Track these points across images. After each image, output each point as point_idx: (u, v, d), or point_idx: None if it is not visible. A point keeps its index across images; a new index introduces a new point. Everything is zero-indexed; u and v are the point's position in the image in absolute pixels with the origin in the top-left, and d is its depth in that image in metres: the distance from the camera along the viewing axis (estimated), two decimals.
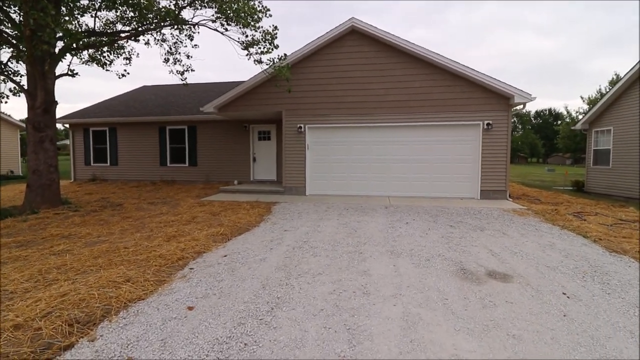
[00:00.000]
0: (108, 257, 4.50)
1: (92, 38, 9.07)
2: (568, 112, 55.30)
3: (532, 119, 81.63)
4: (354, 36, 9.89)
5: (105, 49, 9.87)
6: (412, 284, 3.63)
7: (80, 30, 9.02)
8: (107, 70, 10.17)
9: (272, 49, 8.81)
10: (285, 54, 9.13)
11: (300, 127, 10.29)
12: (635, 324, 2.89)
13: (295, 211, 7.88)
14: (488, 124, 9.32)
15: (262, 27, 8.57)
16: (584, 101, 43.79)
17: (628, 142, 11.36)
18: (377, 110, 9.88)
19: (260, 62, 9.05)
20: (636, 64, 10.84)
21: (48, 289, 3.46)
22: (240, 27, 8.58)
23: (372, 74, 9.85)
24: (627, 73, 11.26)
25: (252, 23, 8.38)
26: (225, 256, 4.63)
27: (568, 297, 3.38)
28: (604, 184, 12.47)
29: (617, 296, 3.42)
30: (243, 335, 2.67)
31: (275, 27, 8.59)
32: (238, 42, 8.93)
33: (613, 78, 39.73)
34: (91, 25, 10.29)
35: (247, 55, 9.12)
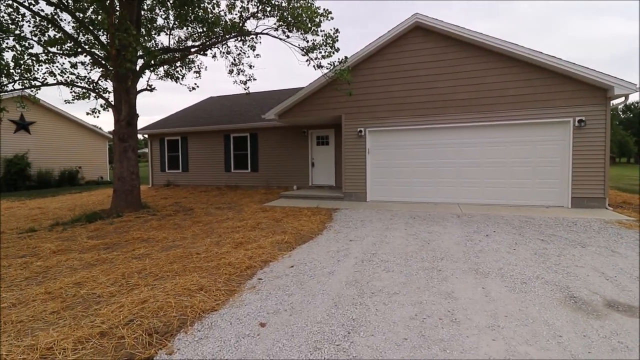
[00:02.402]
0: (182, 262, 4.62)
1: (167, 55, 9.80)
2: None
3: (621, 113, 70.99)
4: (418, 33, 9.30)
5: (178, 64, 10.62)
6: (511, 313, 3.08)
7: (157, 48, 9.79)
8: (180, 84, 10.95)
9: (333, 53, 8.65)
10: (345, 57, 8.92)
11: (361, 131, 9.96)
12: None
13: (358, 219, 7.55)
14: (580, 121, 8.05)
15: (323, 30, 8.46)
16: None
17: None
18: (445, 110, 9.15)
19: (320, 66, 8.95)
20: None
21: (130, 295, 3.60)
22: (301, 33, 8.58)
23: (438, 72, 9.16)
24: None
25: (313, 28, 8.31)
26: (292, 267, 4.48)
27: None
28: None
29: None
30: None
31: (337, 30, 8.42)
32: (298, 48, 8.94)
33: None
34: (166, 43, 11.17)
35: (307, 60, 9.10)
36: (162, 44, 10.46)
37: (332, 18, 8.40)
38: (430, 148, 9.47)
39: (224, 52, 10.69)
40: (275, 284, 3.92)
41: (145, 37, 9.15)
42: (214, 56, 10.70)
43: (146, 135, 16.45)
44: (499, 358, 2.43)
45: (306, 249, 5.32)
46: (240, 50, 10.61)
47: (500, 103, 8.69)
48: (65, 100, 9.50)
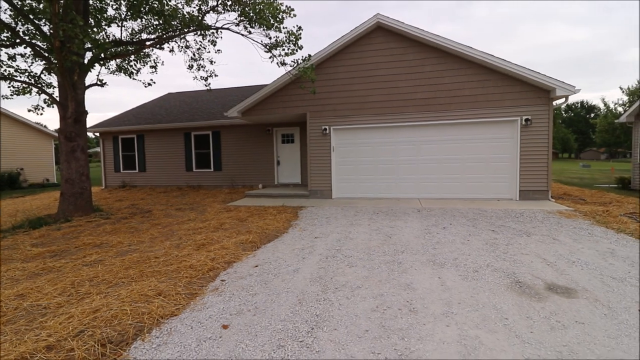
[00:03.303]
0: (139, 267, 4.41)
1: (119, 48, 9.22)
2: (606, 105, 51.59)
3: (563, 112, 77.74)
4: (380, 33, 9.54)
5: (131, 58, 10.03)
6: (464, 300, 3.28)
7: (107, 40, 9.18)
8: (134, 79, 10.33)
9: (296, 50, 8.62)
10: (309, 55, 8.92)
11: (325, 129, 10.04)
12: None
13: (323, 216, 7.63)
14: (527, 120, 8.71)
15: (286, 27, 8.40)
16: (623, 92, 40.87)
17: None
18: (405, 109, 9.48)
19: (284, 63, 8.88)
20: None
21: (80, 304, 3.37)
22: (263, 29, 8.45)
23: (399, 72, 9.47)
24: None
25: (276, 24, 8.22)
26: (256, 266, 4.43)
27: None
28: None
29: None
30: None
31: (300, 28, 8.39)
32: (261, 44, 8.81)
33: None
34: (118, 35, 10.51)
35: (270, 57, 8.99)
36: (113, 35, 9.81)
37: (294, 15, 8.35)
38: (392, 145, 9.78)
39: (182, 47, 10.26)
40: (239, 284, 3.86)
41: (95, 29, 8.52)
42: (172, 50, 10.24)
43: (98, 134, 15.40)
44: (452, 342, 2.59)
45: (271, 248, 5.28)
46: (200, 45, 10.23)
47: (456, 103, 9.16)
48: (3, 96, 8.62)
